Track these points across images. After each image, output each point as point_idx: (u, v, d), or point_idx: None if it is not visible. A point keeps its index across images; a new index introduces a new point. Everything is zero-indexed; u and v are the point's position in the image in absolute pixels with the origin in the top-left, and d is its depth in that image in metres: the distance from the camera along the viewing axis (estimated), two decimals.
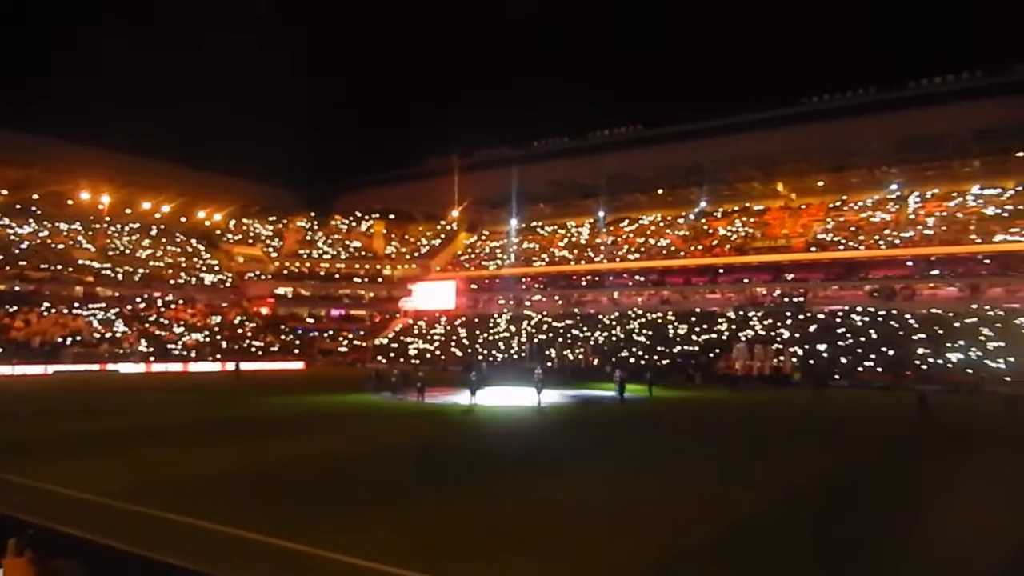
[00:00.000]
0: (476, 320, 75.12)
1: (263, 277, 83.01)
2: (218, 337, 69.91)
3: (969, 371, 46.90)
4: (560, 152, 77.51)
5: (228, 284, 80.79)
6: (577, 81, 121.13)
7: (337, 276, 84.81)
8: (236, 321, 75.09)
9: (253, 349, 69.89)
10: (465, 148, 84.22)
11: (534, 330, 67.98)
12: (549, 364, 54.58)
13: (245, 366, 55.82)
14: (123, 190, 75.84)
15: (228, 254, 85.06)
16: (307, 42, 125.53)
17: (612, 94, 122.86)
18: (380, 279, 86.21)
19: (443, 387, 39.02)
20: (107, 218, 77.69)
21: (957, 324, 52.49)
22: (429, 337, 74.13)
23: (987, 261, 56.66)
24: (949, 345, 50.06)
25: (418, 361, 65.35)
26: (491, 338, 69.95)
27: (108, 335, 62.86)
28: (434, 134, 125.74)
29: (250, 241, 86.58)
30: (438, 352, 70.09)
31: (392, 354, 70.41)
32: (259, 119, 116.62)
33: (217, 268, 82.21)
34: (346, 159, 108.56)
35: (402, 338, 75.74)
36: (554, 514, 11.39)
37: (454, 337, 72.61)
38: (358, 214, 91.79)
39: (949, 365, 48.28)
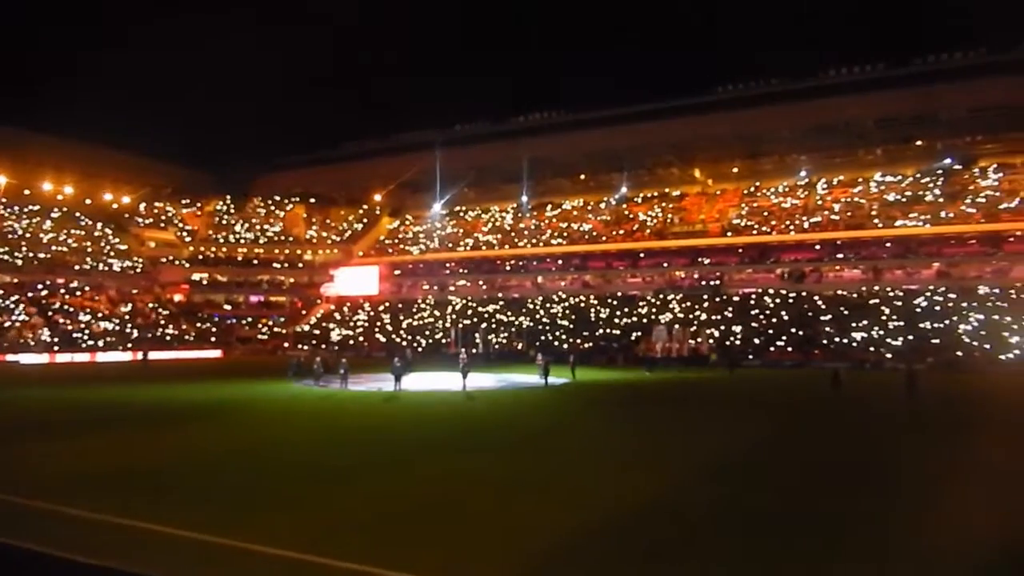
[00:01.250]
0: (400, 305, 74.57)
1: (177, 262, 79.91)
2: (129, 326, 67.11)
3: (871, 349, 49.63)
4: (483, 136, 77.37)
5: (139, 270, 77.39)
6: (500, 67, 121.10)
7: (256, 261, 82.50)
8: (148, 308, 72.21)
9: (167, 338, 67.45)
10: (387, 131, 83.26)
11: (458, 315, 67.98)
12: (474, 349, 54.82)
13: (156, 355, 53.85)
14: (18, 168, 71.57)
15: (139, 238, 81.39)
16: (224, 19, 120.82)
17: (535, 80, 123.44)
18: (301, 264, 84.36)
19: (367, 374, 38.67)
20: (2, 199, 73.20)
21: (861, 305, 55.37)
22: (352, 323, 73.19)
23: (888, 245, 59.84)
24: (854, 325, 52.76)
25: (341, 348, 64.44)
26: (415, 323, 69.61)
27: (7, 324, 59.48)
28: (357, 116, 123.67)
29: (162, 225, 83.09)
30: (361, 338, 69.31)
31: (314, 341, 69.19)
32: (171, 97, 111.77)
33: (127, 253, 78.60)
34: (264, 140, 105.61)
35: (324, 324, 74.52)
36: (472, 494, 11.54)
37: (378, 323, 71.91)
38: (277, 197, 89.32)
39: (854, 344, 50.92)
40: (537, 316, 65.45)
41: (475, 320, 65.69)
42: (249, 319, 77.66)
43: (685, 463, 14.54)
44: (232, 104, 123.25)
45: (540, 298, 68.94)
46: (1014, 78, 53.77)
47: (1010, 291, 52.39)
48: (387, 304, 75.46)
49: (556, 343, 58.07)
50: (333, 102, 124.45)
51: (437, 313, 70.46)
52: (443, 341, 62.74)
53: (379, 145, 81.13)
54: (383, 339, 67.42)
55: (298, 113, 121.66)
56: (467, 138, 77.26)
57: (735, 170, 73.03)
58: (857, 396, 28.45)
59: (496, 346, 59.60)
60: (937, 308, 52.71)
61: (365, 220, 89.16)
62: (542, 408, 26.02)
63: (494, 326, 64.28)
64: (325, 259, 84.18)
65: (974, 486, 12.48)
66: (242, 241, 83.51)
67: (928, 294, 54.60)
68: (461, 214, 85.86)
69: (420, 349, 60.26)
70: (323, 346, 65.53)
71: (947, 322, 50.71)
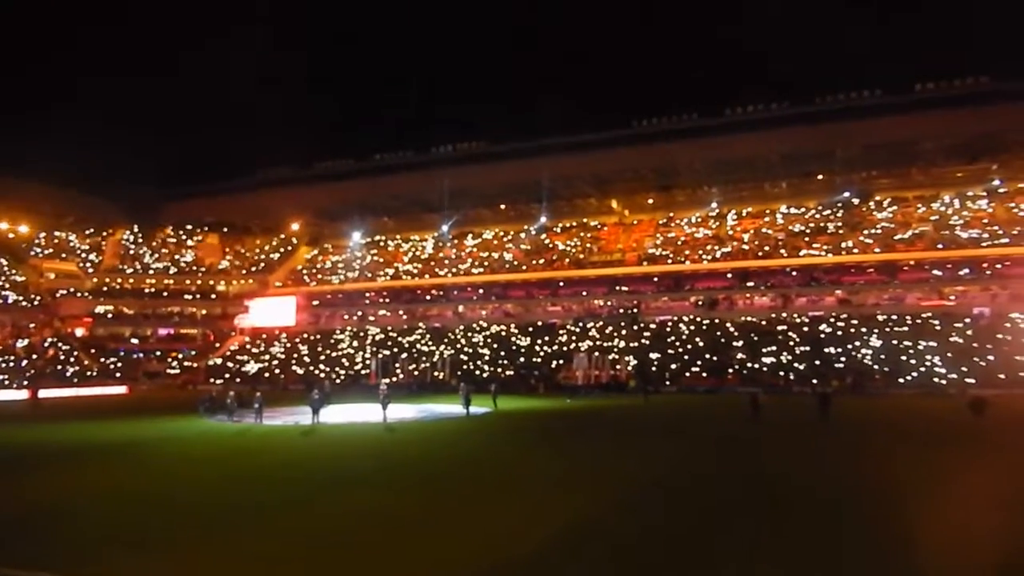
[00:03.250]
0: (318, 336, 73.02)
1: (79, 294, 75.99)
2: (24, 362, 63.24)
3: (780, 373, 51.58)
4: (403, 166, 77.22)
5: (37, 303, 73.13)
6: (419, 98, 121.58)
7: (165, 293, 79.33)
8: (47, 343, 68.29)
9: (67, 374, 63.86)
10: (305, 159, 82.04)
11: (379, 345, 67.06)
12: (395, 379, 54.14)
13: (52, 393, 50.86)
14: None
15: (37, 270, 77.10)
16: (128, 40, 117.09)
17: (456, 111, 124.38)
18: (214, 295, 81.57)
19: (284, 407, 37.59)
20: None
21: (770, 331, 57.59)
22: (268, 355, 71.12)
23: (794, 273, 62.59)
24: (764, 350, 54.76)
25: (256, 381, 62.45)
26: (334, 355, 68.24)
27: None
28: (274, 143, 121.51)
29: (63, 255, 79.04)
30: (278, 371, 67.40)
31: (227, 375, 66.83)
32: (74, 119, 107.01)
33: (23, 285, 74.16)
34: (174, 167, 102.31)
35: (238, 357, 72.12)
36: (370, 532, 11.34)
37: (295, 355, 70.14)
38: (189, 226, 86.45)
39: (764, 368, 52.79)
40: (459, 345, 65.24)
41: (396, 350, 64.97)
42: (158, 352, 74.40)
43: (605, 490, 14.67)
44: (140, 130, 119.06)
45: (461, 327, 68.85)
46: (905, 117, 57.53)
47: (906, 317, 55.54)
48: (305, 335, 73.78)
49: (478, 372, 57.96)
50: (250, 129, 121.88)
51: (356, 344, 69.35)
52: (363, 372, 61.71)
53: (297, 174, 79.84)
54: (300, 371, 65.77)
55: (212, 140, 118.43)
56: (386, 167, 76.93)
57: (650, 201, 75.20)
58: (776, 419, 29.40)
59: (417, 376, 59.03)
60: (839, 334, 55.32)
61: (282, 250, 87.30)
62: (462, 438, 25.84)
63: (415, 356, 63.70)
64: (240, 290, 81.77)
65: (886, 504, 13.05)
66: (151, 271, 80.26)
67: (831, 320, 57.28)
68: (381, 243, 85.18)
69: (339, 381, 59.07)
70: (237, 380, 63.37)
71: (849, 347, 53.23)
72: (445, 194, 74.30)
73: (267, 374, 66.80)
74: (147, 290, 78.86)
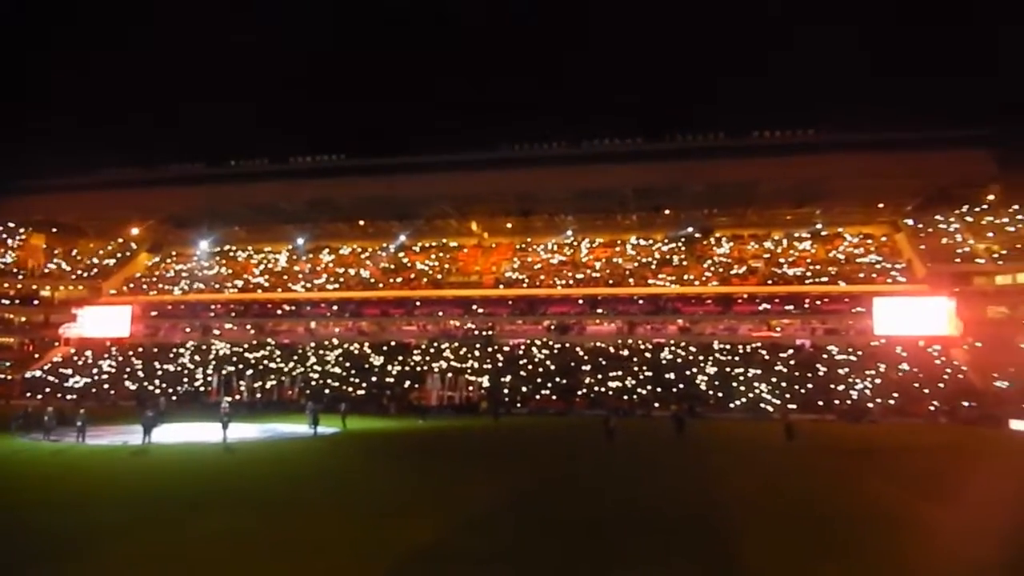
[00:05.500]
0: (155, 350, 68.44)
1: None
2: None
3: (624, 397, 53.97)
4: (260, 174, 74.34)
5: None
6: (284, 107, 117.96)
7: None
8: None
9: None
10: (155, 160, 77.14)
11: (223, 361, 63.77)
12: (238, 397, 51.64)
13: None
14: None
15: None
16: None
17: (320, 123, 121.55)
18: (36, 301, 74.51)
19: (112, 425, 34.90)
20: None
21: (616, 356, 60.17)
22: (97, 369, 65.77)
23: (640, 302, 65.79)
24: (610, 375, 57.08)
25: (82, 397, 57.54)
26: (173, 370, 64.20)
27: None
28: (121, 141, 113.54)
29: None
30: (107, 386, 62.47)
31: (48, 389, 61.17)
32: None
33: None
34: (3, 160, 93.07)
35: (62, 370, 66.19)
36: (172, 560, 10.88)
37: (128, 369, 65.32)
38: (11, 224, 78.62)
39: (610, 392, 55.01)
40: (309, 363, 63.32)
41: (241, 366, 61.96)
42: None
43: (453, 512, 14.74)
44: None
45: (313, 344, 66.86)
46: (744, 160, 62.27)
47: (738, 346, 59.80)
48: (140, 348, 68.93)
49: (328, 391, 56.46)
50: (99, 123, 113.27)
51: (198, 358, 65.64)
52: (204, 389, 58.46)
53: (143, 175, 74.79)
54: (133, 387, 61.32)
55: (55, 135, 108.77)
56: (242, 174, 73.77)
57: (509, 226, 76.61)
58: (628, 441, 30.64)
59: (263, 394, 56.57)
60: (679, 360, 58.69)
61: (119, 255, 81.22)
62: (307, 459, 25.11)
63: (262, 373, 61.06)
64: (68, 296, 75.27)
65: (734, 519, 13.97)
66: None
67: (672, 347, 60.67)
68: (230, 253, 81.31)
69: (176, 398, 55.65)
70: (59, 395, 58.16)
71: (687, 373, 56.57)
72: (303, 206, 72.27)
73: (95, 389, 61.77)
74: None
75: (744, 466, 23.47)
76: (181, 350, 67.91)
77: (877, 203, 66.59)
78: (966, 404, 49.69)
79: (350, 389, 57.40)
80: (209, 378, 59.34)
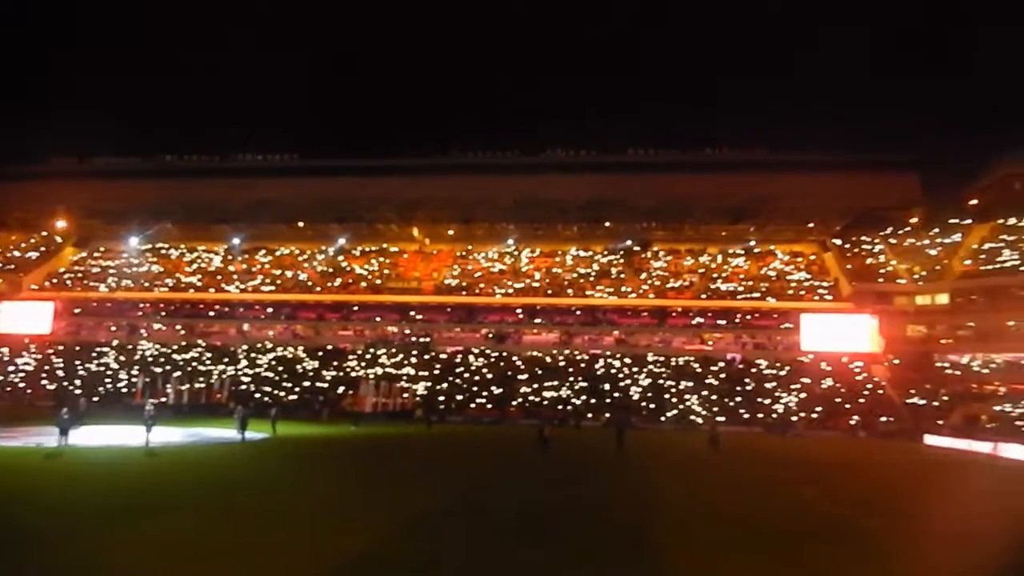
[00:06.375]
0: (77, 348, 65.84)
1: None
2: None
3: (559, 407, 54.41)
4: (197, 171, 72.62)
5: None
6: (227, 104, 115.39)
7: None
8: None
9: None
10: (86, 152, 74.48)
11: (149, 362, 61.76)
12: (163, 399, 50.04)
13: None
14: None
15: None
16: None
17: (265, 122, 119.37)
18: None
19: (26, 426, 33.42)
20: None
21: (553, 366, 60.62)
22: (13, 367, 62.90)
23: (578, 312, 66.50)
24: (547, 384, 57.47)
25: None
26: (96, 370, 61.88)
27: None
28: (52, 130, 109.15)
29: None
30: (23, 385, 59.81)
31: None
32: None
33: None
34: None
35: None
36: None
37: (47, 367, 62.68)
38: None
39: (545, 402, 55.38)
40: (240, 366, 61.89)
41: (168, 368, 60.11)
42: None
43: (382, 519, 14.62)
44: None
45: (245, 347, 65.34)
46: (682, 176, 63.78)
47: (672, 359, 60.96)
48: (61, 346, 66.23)
49: (259, 395, 55.27)
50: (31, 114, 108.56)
51: (123, 359, 63.45)
52: (128, 391, 56.52)
53: (74, 167, 72.11)
54: (52, 387, 58.85)
55: None
56: (177, 170, 71.93)
57: (451, 232, 76.54)
58: (565, 451, 30.85)
59: (192, 397, 54.93)
60: (614, 371, 59.50)
61: (43, 249, 77.98)
62: (233, 465, 24.51)
63: (191, 375, 59.34)
64: None
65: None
66: None
67: (607, 358, 61.46)
68: (162, 251, 78.91)
69: (97, 399, 53.67)
70: None
71: (621, 384, 57.41)
72: (240, 205, 70.79)
73: (10, 388, 59.08)
74: None
75: (672, 475, 23.95)
76: (105, 349, 65.52)
77: (807, 223, 68.95)
78: (884, 419, 51.78)
79: (282, 394, 56.32)
80: (134, 379, 57.35)
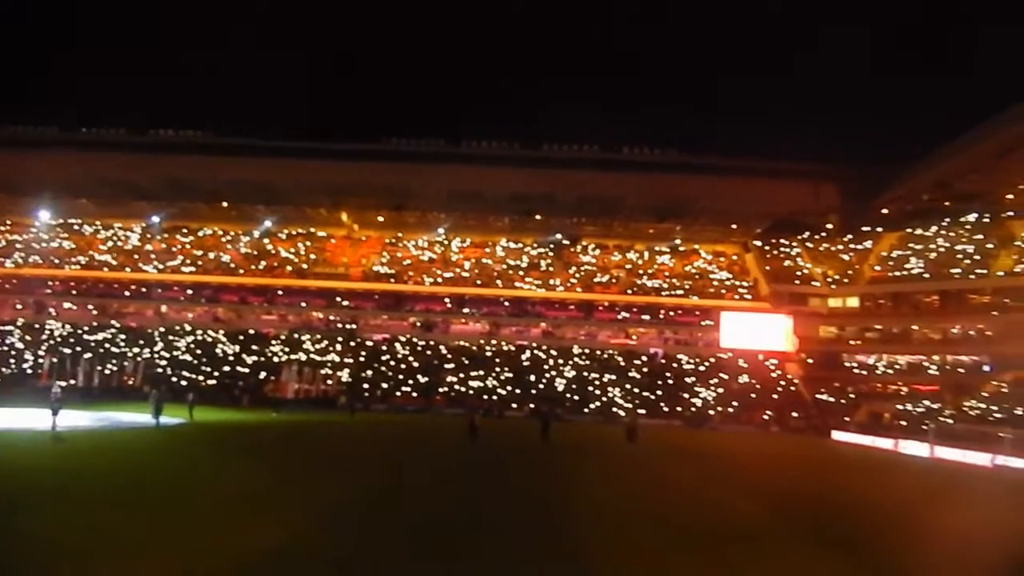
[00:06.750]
0: None
1: None
2: None
3: (485, 397, 54.71)
4: (116, 145, 69.41)
5: None
6: (151, 77, 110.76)
7: None
8: None
9: None
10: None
11: (58, 342, 59.06)
12: (72, 382, 48.01)
13: None
14: None
15: None
16: None
17: (190, 98, 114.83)
18: None
19: None
20: None
21: (479, 356, 60.88)
22: None
23: (506, 304, 66.89)
24: (473, 374, 57.67)
25: None
26: None
27: None
28: None
29: None
30: None
31: None
32: None
33: None
34: None
35: None
36: None
37: None
38: None
39: (471, 392, 55.58)
40: (156, 348, 59.86)
41: (79, 349, 57.62)
42: None
43: (300, 509, 14.45)
44: None
45: (162, 329, 63.21)
46: (611, 174, 64.64)
47: (596, 352, 62.02)
48: None
49: (176, 379, 53.62)
50: None
51: (29, 338, 60.50)
52: (34, 372, 53.96)
53: None
54: None
55: None
56: (96, 143, 68.55)
57: (381, 219, 75.57)
58: (493, 440, 31.06)
59: (103, 379, 52.89)
60: (540, 363, 60.17)
61: None
62: (145, 451, 23.79)
63: (103, 357, 57.05)
64: None
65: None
66: None
67: (534, 350, 62.08)
68: (75, 227, 75.34)
69: (0, 379, 51.05)
70: None
71: (546, 376, 58.11)
72: (161, 183, 68.14)
73: None
74: None
75: (592, 465, 24.48)
76: (10, 328, 62.32)
77: (731, 224, 71.00)
78: (795, 415, 54.06)
79: (200, 378, 54.78)
80: (41, 360, 54.80)
